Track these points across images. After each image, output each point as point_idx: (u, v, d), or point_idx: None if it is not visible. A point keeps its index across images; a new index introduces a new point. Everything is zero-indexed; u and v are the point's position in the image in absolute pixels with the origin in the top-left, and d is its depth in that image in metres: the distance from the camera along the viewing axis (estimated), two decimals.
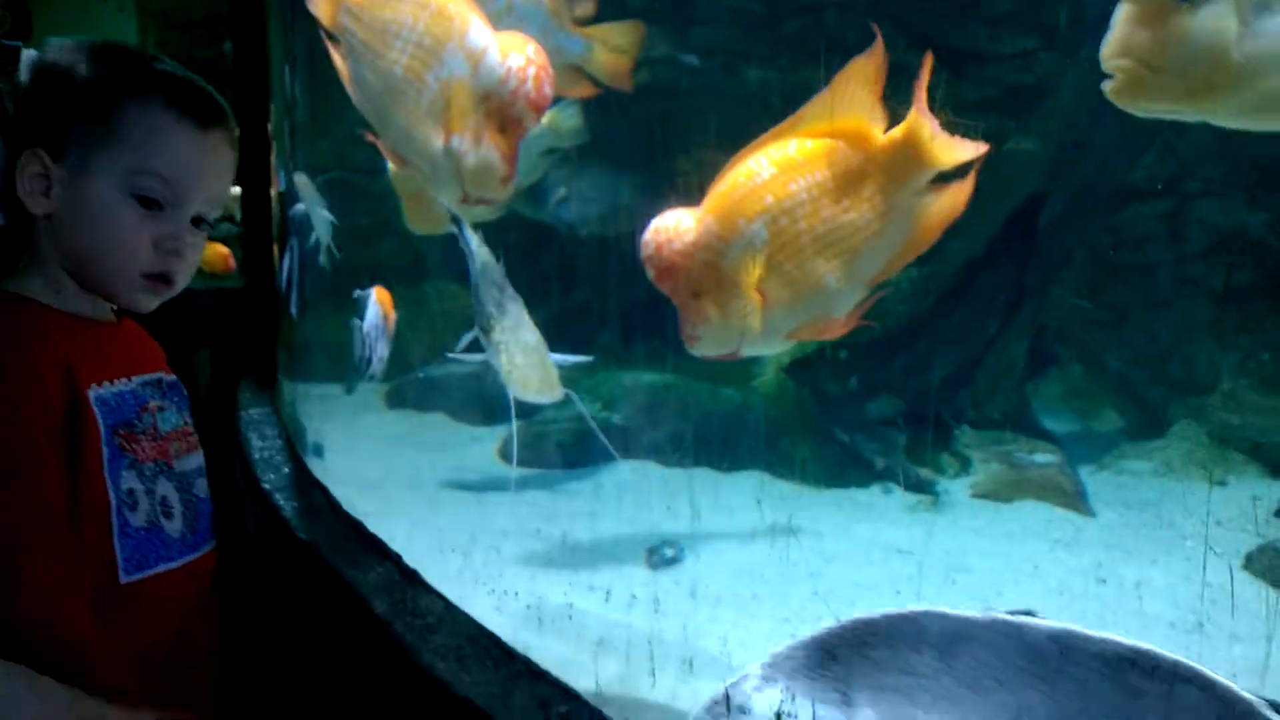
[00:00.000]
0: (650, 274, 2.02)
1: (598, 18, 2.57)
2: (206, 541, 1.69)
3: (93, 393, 1.50)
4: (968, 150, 1.97)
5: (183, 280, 1.62)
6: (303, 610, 2.08)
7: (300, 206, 3.50)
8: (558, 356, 3.11)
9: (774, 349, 2.21)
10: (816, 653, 1.41)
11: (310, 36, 3.08)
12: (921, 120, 1.96)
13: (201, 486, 1.70)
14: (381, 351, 3.12)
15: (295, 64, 3.34)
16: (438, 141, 2.10)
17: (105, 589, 1.48)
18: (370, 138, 2.41)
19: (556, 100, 2.96)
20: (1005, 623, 1.34)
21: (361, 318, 3.23)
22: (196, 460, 1.70)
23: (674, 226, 2.00)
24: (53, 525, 1.40)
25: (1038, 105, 4.36)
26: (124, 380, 1.58)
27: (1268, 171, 4.40)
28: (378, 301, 3.22)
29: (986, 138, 4.43)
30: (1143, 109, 1.67)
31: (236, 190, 4.33)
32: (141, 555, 1.54)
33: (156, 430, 1.61)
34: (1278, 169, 4.38)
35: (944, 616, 1.40)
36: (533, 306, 3.59)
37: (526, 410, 3.94)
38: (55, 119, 1.52)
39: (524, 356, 2.89)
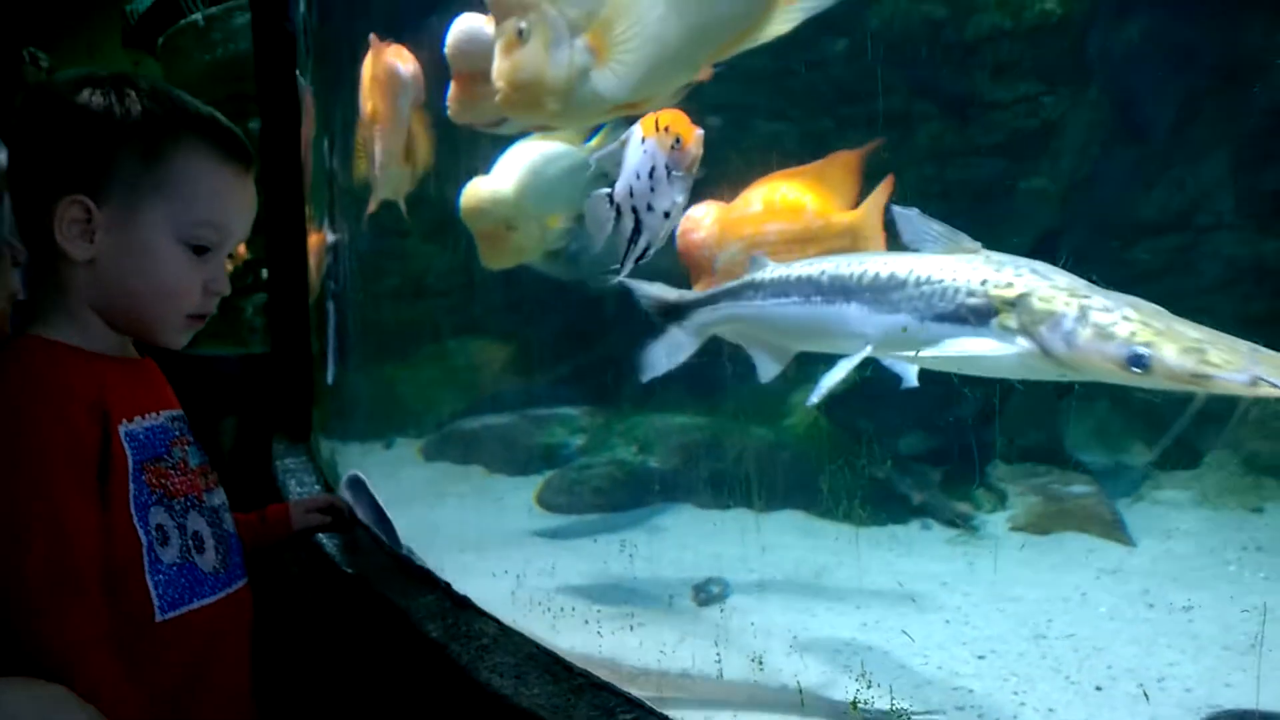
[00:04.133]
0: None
1: None
2: (240, 576, 1.64)
3: (123, 428, 1.46)
4: None
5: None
6: (354, 641, 2.06)
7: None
8: None
9: None
10: None
11: (345, 114, 3.28)
12: (867, 217, 2.31)
13: (229, 521, 1.66)
14: (667, 202, 1.93)
15: (334, 138, 3.47)
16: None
17: (140, 628, 1.44)
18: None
19: (598, 128, 3.02)
20: None
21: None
22: (222, 496, 1.66)
23: (698, 220, 2.45)
24: (78, 582, 1.34)
25: (1045, 146, 4.43)
26: (153, 415, 1.54)
27: (1278, 201, 4.44)
28: (660, 133, 1.95)
29: (995, 179, 4.47)
30: (522, 119, 2.18)
31: None
32: (176, 592, 1.49)
33: (186, 464, 1.57)
34: None
35: None
36: (556, 358, 3.61)
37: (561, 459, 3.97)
38: (95, 161, 1.44)
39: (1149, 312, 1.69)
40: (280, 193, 3.70)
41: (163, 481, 1.50)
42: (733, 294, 2.30)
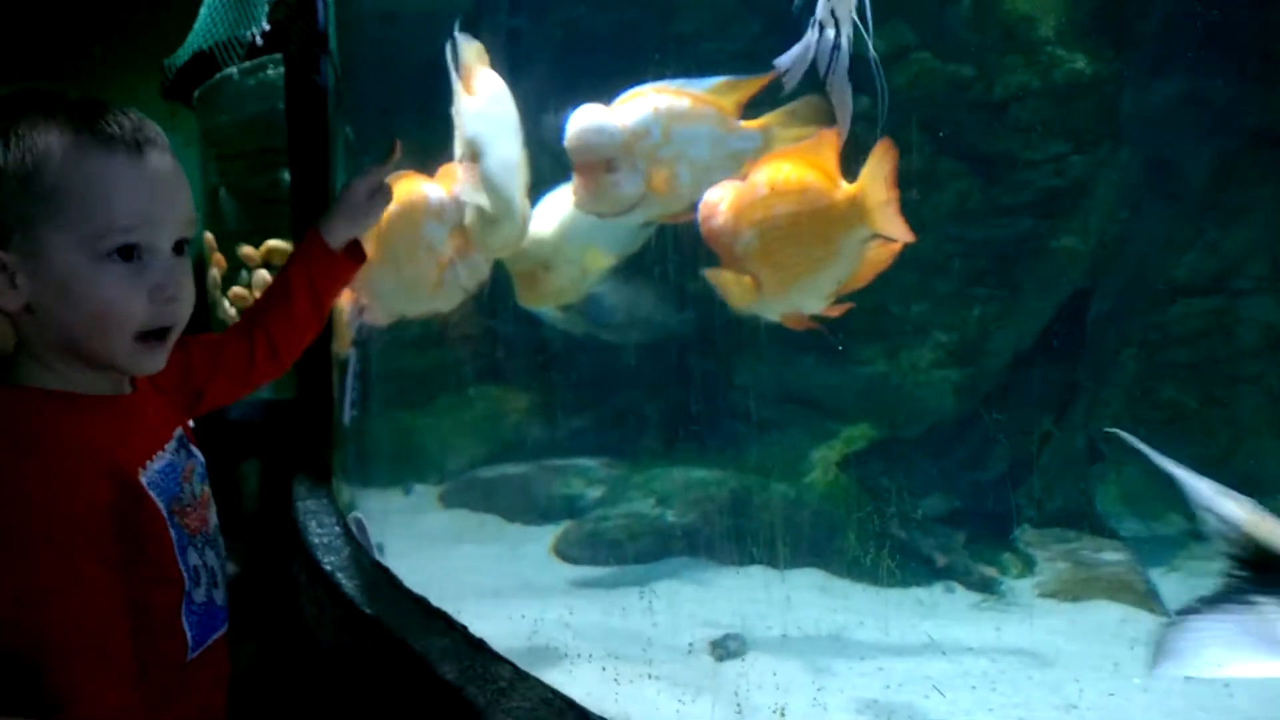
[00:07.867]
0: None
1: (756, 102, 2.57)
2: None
3: (144, 478, 1.37)
4: (900, 228, 2.36)
5: (184, 321, 1.41)
6: (370, 681, 2.02)
7: None
8: None
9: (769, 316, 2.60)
10: None
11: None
12: (871, 186, 2.35)
13: (222, 545, 1.56)
14: None
15: None
16: None
17: (173, 671, 1.40)
18: None
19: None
20: None
21: None
22: (216, 516, 1.55)
23: (714, 204, 2.46)
24: (103, 647, 1.26)
25: (1074, 205, 4.40)
26: (161, 453, 1.43)
27: None
28: None
29: (1023, 238, 4.43)
30: None
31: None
32: (201, 631, 1.44)
33: (195, 496, 1.48)
34: None
35: None
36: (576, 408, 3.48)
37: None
38: None
39: None
40: None
41: (185, 521, 1.44)
42: None
